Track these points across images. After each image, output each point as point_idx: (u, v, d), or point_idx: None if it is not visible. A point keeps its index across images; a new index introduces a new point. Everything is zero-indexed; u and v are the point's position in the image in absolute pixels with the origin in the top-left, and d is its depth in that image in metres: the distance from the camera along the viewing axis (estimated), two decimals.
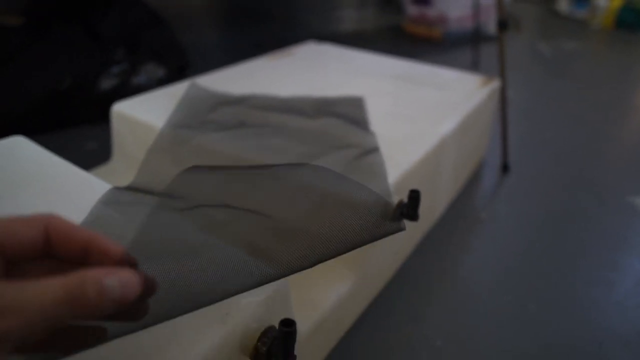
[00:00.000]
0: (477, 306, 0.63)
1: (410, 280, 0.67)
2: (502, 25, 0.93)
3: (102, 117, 1.00)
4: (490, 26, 1.95)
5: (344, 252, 0.53)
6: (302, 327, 0.37)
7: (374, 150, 0.57)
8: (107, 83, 1.06)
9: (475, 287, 0.67)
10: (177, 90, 0.78)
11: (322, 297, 0.50)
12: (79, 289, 0.21)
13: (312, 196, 0.54)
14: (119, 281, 0.22)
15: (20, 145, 0.60)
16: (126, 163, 0.73)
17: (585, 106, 1.36)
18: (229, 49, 1.77)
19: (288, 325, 0.34)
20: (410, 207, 0.52)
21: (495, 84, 0.90)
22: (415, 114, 0.73)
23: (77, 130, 1.05)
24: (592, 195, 0.90)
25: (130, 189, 0.54)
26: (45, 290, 0.21)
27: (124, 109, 0.72)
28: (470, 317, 0.61)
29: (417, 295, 0.65)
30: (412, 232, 0.71)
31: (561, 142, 1.12)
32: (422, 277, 0.68)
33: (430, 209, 0.75)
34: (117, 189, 0.51)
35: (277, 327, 0.35)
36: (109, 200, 0.49)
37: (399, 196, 0.54)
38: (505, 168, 0.97)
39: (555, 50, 1.92)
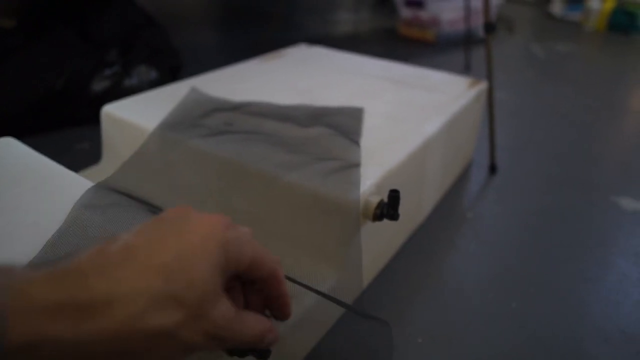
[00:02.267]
0: (460, 304, 0.64)
1: (394, 279, 0.68)
2: (489, 27, 0.95)
3: (95, 119, 1.01)
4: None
5: (324, 252, 0.54)
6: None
7: (355, 165, 0.57)
8: (99, 85, 1.06)
9: (459, 285, 0.68)
10: (167, 92, 0.79)
11: (303, 294, 0.51)
12: (264, 334, 0.31)
13: (292, 198, 0.55)
14: (272, 338, 0.32)
15: (9, 146, 0.61)
16: (115, 164, 0.73)
17: (576, 108, 1.37)
18: (224, 51, 1.78)
19: None
20: (390, 206, 0.53)
21: (483, 85, 0.91)
22: (401, 115, 0.74)
23: (69, 131, 1.06)
24: (580, 196, 0.91)
25: (110, 187, 0.54)
26: (253, 327, 0.30)
27: (113, 111, 0.73)
28: (453, 315, 0.62)
29: (401, 294, 0.65)
30: (398, 232, 0.72)
31: (551, 143, 1.13)
32: (406, 276, 0.69)
33: (416, 209, 0.75)
34: (96, 188, 0.52)
35: None
36: (88, 203, 0.49)
37: (381, 196, 0.55)
38: (492, 169, 0.98)
39: (548, 52, 1.93)
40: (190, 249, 0.26)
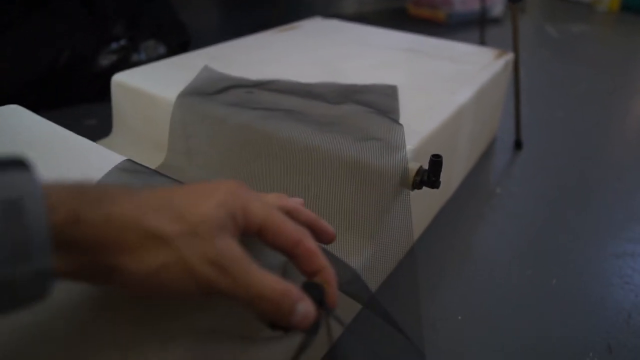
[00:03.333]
0: (497, 280, 0.61)
1: (427, 254, 0.64)
2: None
3: (102, 95, 0.96)
4: (495, 8, 1.91)
5: (360, 223, 0.51)
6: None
7: (398, 147, 0.51)
8: (106, 60, 1.02)
9: (495, 261, 0.64)
10: (179, 61, 0.75)
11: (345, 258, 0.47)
12: (280, 296, 0.27)
13: (331, 165, 0.51)
14: (304, 311, 0.28)
15: (15, 113, 0.57)
16: (126, 136, 0.69)
17: (594, 87, 1.33)
18: (231, 30, 1.73)
19: None
20: (432, 172, 0.49)
21: (509, 56, 0.87)
22: (430, 85, 0.70)
23: (76, 108, 1.02)
24: (609, 171, 0.88)
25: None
26: (265, 282, 0.27)
27: (124, 79, 0.69)
28: (491, 292, 0.59)
29: (435, 269, 0.62)
30: (430, 204, 0.68)
31: (573, 121, 1.09)
32: (439, 250, 0.65)
33: (447, 182, 0.72)
34: (131, 161, 0.47)
35: None
36: (125, 168, 0.45)
37: (419, 163, 0.51)
38: (518, 144, 0.94)
39: (562, 33, 1.88)
40: (200, 190, 0.28)
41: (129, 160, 0.47)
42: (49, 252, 0.22)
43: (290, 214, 0.33)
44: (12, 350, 0.27)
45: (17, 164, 0.23)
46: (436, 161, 0.48)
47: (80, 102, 1.03)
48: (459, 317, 0.54)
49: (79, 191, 0.24)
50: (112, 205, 0.25)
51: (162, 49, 1.10)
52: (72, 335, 0.29)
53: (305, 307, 0.28)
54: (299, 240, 0.30)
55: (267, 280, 0.27)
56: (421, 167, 0.50)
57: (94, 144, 0.51)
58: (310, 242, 0.30)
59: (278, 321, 0.28)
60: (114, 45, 1.03)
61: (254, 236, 0.30)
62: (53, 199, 0.23)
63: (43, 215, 0.22)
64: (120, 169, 0.45)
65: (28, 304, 0.22)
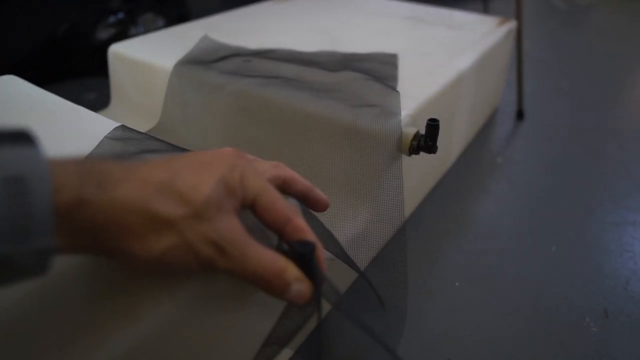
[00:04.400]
0: (496, 247, 0.61)
1: (427, 222, 0.64)
2: None
3: (101, 69, 0.96)
4: None
5: (356, 188, 0.50)
6: None
7: (393, 114, 0.50)
8: (104, 33, 1.01)
9: (495, 229, 0.64)
10: (177, 31, 0.74)
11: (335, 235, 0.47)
12: (273, 277, 0.27)
13: (327, 131, 0.51)
14: (297, 290, 0.28)
15: (12, 83, 0.56)
16: (125, 107, 0.69)
17: (601, 58, 1.31)
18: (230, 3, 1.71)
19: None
20: (429, 137, 0.48)
21: (512, 24, 0.85)
22: (430, 52, 0.69)
23: (75, 82, 1.01)
24: (611, 141, 0.87)
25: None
26: (261, 262, 0.27)
27: (121, 50, 0.68)
28: (489, 259, 0.59)
29: (434, 237, 0.62)
30: (428, 172, 0.67)
31: (577, 92, 1.08)
32: (438, 218, 0.65)
33: (447, 150, 0.71)
34: (124, 126, 0.47)
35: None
36: (117, 137, 0.45)
37: (417, 128, 0.50)
38: (520, 115, 0.93)
39: (569, 5, 1.84)
40: (200, 163, 0.28)
41: (121, 127, 0.46)
42: (50, 234, 0.21)
43: (286, 183, 0.33)
44: (23, 316, 0.28)
45: (22, 138, 0.22)
46: (433, 125, 0.47)
47: (80, 76, 1.03)
48: (456, 284, 0.55)
49: (82, 171, 0.24)
50: (116, 187, 0.24)
51: (160, 22, 1.08)
52: (71, 293, 0.29)
53: (300, 287, 0.28)
54: (288, 218, 0.30)
55: (263, 259, 0.27)
56: (418, 131, 0.50)
57: (90, 112, 0.51)
58: (299, 220, 0.30)
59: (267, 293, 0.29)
60: (112, 19, 1.02)
61: (247, 209, 0.30)
62: (58, 180, 0.22)
63: (47, 196, 0.21)
64: (111, 138, 0.45)
65: (26, 279, 0.22)
